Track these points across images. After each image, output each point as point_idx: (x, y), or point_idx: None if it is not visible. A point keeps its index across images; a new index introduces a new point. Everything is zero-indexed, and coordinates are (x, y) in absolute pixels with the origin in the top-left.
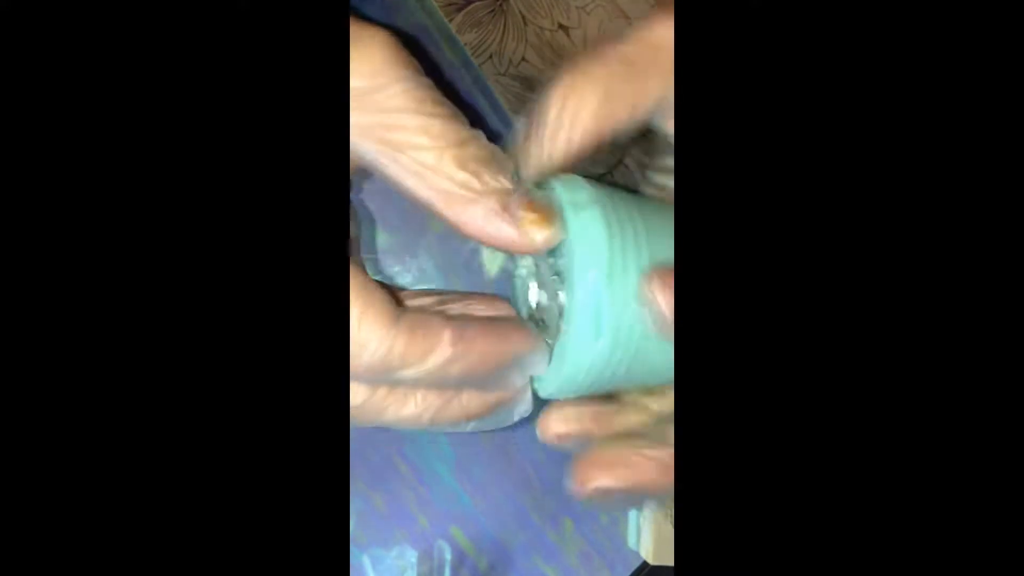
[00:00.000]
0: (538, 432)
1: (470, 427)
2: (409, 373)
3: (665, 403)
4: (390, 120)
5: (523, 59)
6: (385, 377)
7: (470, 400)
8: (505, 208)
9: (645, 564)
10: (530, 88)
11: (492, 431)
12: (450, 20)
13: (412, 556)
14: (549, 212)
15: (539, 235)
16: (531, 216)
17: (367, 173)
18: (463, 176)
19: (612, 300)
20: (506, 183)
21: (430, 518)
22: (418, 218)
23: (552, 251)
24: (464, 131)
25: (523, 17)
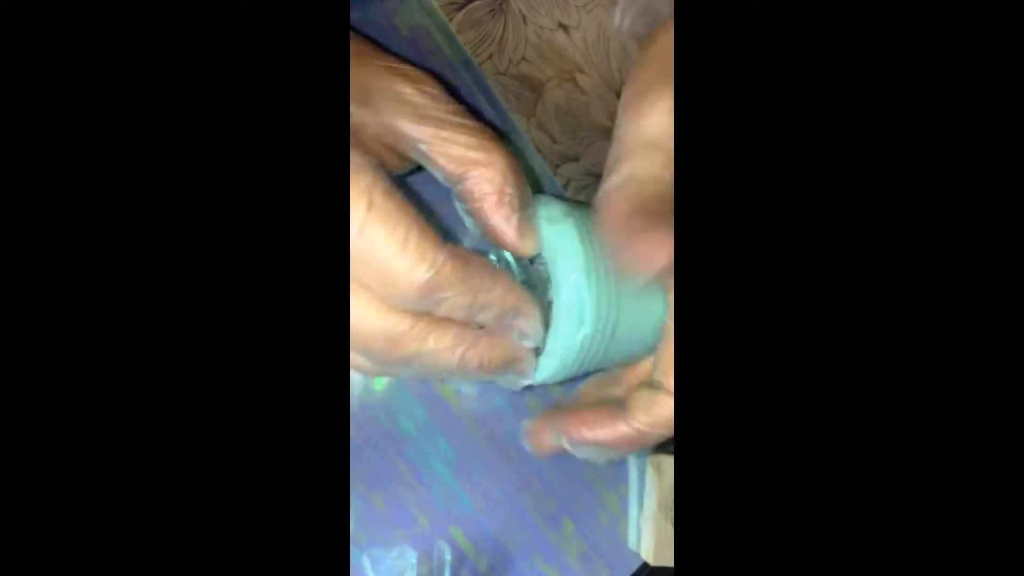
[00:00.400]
0: (529, 445)
1: (485, 377)
2: (450, 293)
3: (636, 375)
4: (442, 115)
5: (523, 58)
6: (429, 296)
7: (491, 345)
8: (514, 213)
9: (645, 565)
10: (530, 87)
11: (492, 432)
12: (450, 19)
13: (412, 556)
14: (536, 234)
15: (525, 244)
16: (528, 229)
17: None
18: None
19: (591, 296)
20: (525, 194)
21: (430, 518)
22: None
23: (532, 259)
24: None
25: (523, 16)
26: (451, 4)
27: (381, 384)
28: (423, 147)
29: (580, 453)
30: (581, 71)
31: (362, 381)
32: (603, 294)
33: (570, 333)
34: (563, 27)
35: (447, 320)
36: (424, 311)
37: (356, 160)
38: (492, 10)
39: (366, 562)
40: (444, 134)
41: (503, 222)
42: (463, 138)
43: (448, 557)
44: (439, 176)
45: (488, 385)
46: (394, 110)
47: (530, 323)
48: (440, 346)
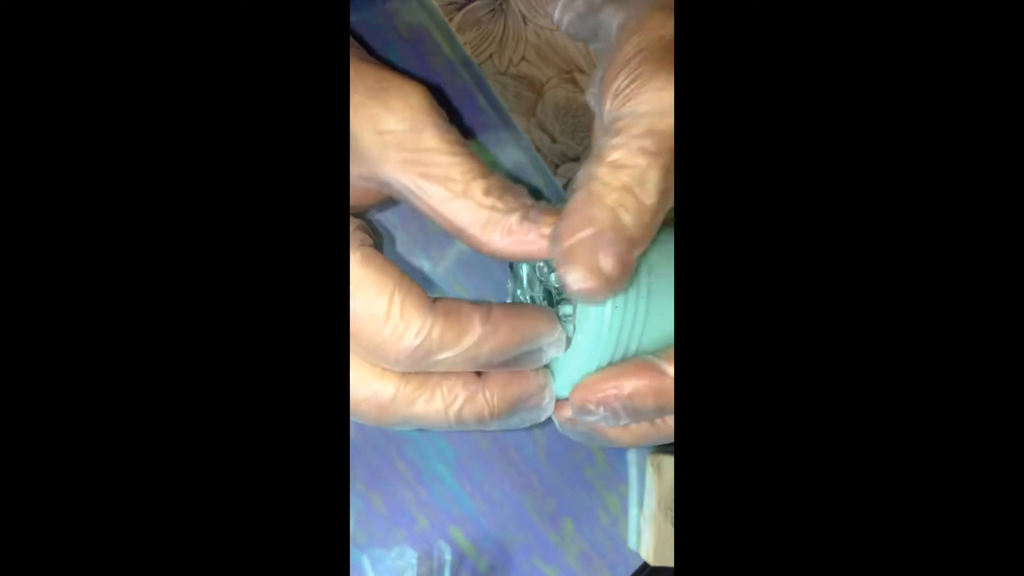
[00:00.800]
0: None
1: (494, 426)
2: (445, 356)
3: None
4: (426, 158)
5: (523, 58)
6: (422, 362)
7: (494, 393)
8: (527, 218)
9: (645, 565)
10: (530, 87)
11: (492, 432)
12: (450, 19)
13: (412, 557)
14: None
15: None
16: (552, 220)
17: (392, 202)
18: (489, 200)
19: (614, 307)
20: (526, 200)
21: (430, 518)
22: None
23: (553, 269)
24: (485, 168)
25: (523, 16)
26: (451, 4)
27: None
28: (404, 193)
29: (589, 418)
30: (581, 71)
31: None
32: (627, 306)
33: (592, 345)
34: None
35: (441, 376)
36: (420, 371)
37: None
38: (492, 10)
39: (366, 562)
40: (424, 183)
41: (519, 237)
42: (446, 184)
43: (448, 557)
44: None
45: None
46: (378, 153)
47: (552, 340)
48: (431, 408)
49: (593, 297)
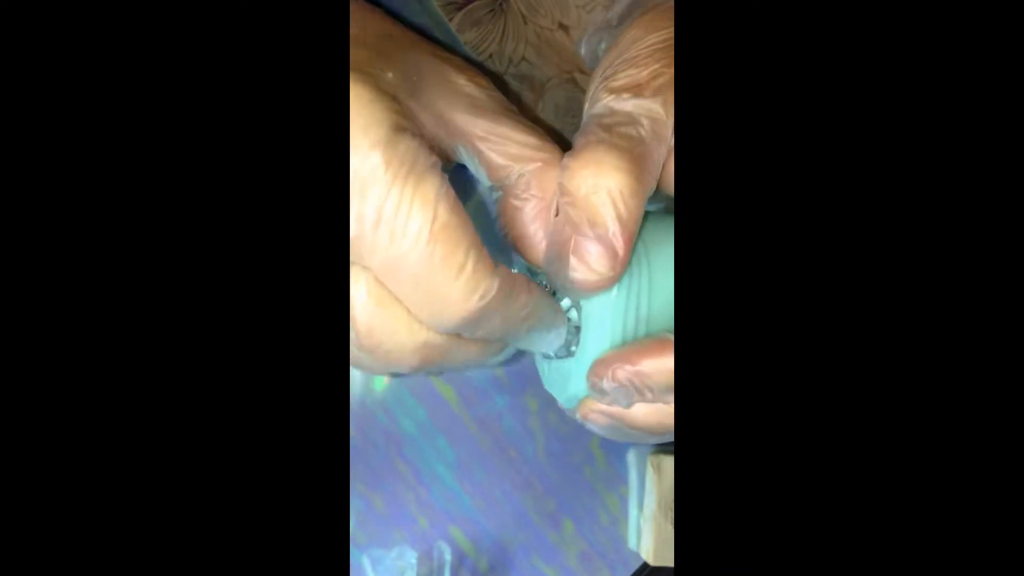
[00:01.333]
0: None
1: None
2: (491, 323)
3: None
4: (496, 108)
5: (523, 58)
6: (470, 325)
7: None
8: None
9: (645, 565)
10: (530, 88)
11: (492, 432)
12: (450, 19)
13: (412, 557)
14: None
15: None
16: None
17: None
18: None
19: (615, 313)
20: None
21: (430, 519)
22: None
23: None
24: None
25: (523, 16)
26: (451, 4)
27: (381, 384)
28: (478, 142)
29: (604, 398)
30: (581, 71)
31: (362, 380)
32: (633, 307)
33: (602, 331)
34: (563, 27)
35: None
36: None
37: (423, 159)
38: (492, 10)
39: (366, 562)
40: (501, 129)
41: (539, 231)
42: (519, 135)
43: (448, 557)
44: (483, 175)
45: (488, 385)
46: (448, 101)
47: (553, 335)
48: (469, 356)
49: (595, 290)
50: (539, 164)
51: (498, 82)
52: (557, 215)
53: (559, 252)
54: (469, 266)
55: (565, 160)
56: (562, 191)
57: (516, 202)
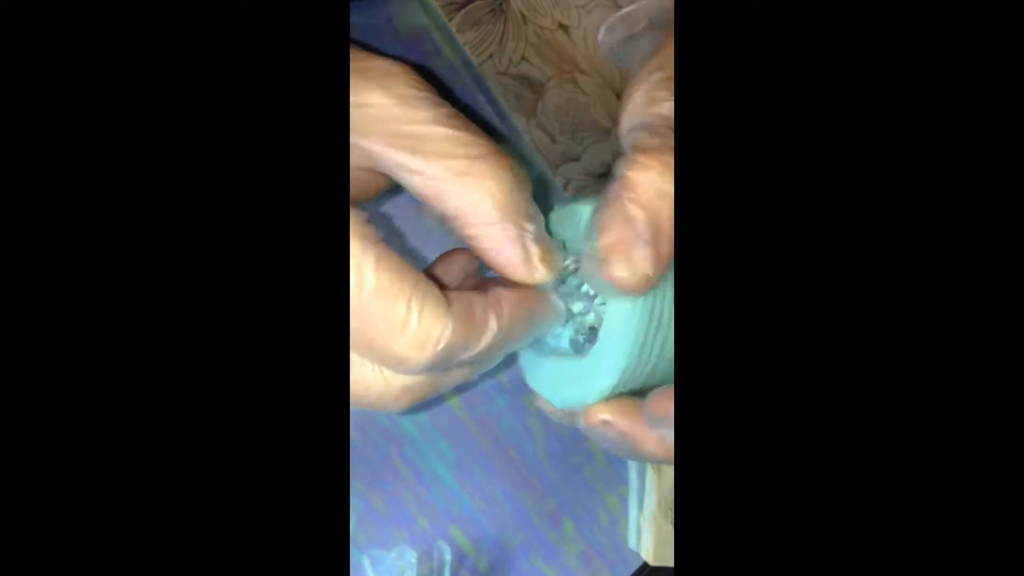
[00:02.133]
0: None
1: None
2: (467, 356)
3: None
4: (417, 131)
5: (523, 58)
6: (439, 368)
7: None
8: (519, 239)
9: (645, 565)
10: (530, 88)
11: (492, 432)
12: (450, 20)
13: (412, 557)
14: (553, 254)
15: (541, 273)
16: (540, 252)
17: (389, 190)
18: (497, 192)
19: (640, 318)
20: (528, 209)
21: (430, 518)
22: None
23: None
24: (492, 144)
25: (523, 16)
26: (451, 4)
27: None
28: (397, 172)
29: (657, 430)
30: (581, 71)
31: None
32: (652, 316)
33: (618, 355)
34: (563, 27)
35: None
36: (445, 368)
37: None
38: (492, 10)
39: (366, 562)
40: (415, 161)
41: (506, 254)
42: (442, 161)
43: (448, 557)
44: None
45: (488, 385)
46: (365, 128)
47: (545, 322)
48: (460, 378)
49: (632, 292)
50: (470, 185)
51: (496, 82)
52: (611, 203)
53: (610, 244)
54: (413, 319)
55: (635, 155)
56: (628, 184)
57: (464, 235)
